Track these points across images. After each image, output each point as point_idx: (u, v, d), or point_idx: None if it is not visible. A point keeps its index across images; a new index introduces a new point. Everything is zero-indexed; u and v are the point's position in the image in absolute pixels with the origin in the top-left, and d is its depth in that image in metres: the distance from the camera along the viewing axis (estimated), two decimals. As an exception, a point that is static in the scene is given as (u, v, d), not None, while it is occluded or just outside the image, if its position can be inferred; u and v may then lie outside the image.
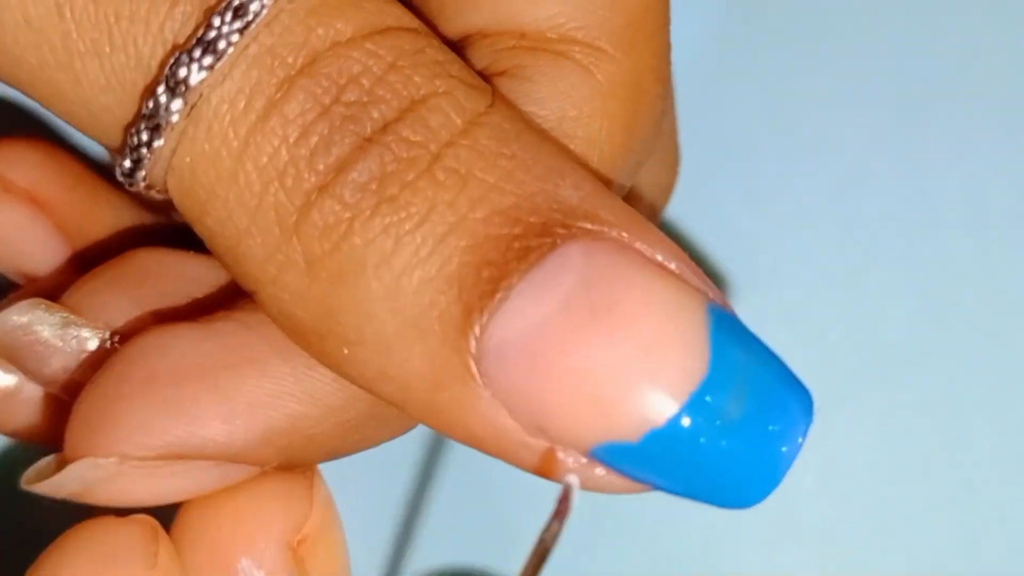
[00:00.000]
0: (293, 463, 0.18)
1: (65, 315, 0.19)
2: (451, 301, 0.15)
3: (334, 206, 0.15)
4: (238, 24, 0.15)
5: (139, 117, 0.16)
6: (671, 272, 0.16)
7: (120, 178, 0.16)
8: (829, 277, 0.31)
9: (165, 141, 0.16)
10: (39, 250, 0.22)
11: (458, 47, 0.19)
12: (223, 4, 0.15)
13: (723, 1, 0.32)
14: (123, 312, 0.20)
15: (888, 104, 0.31)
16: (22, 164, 0.22)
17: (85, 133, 0.17)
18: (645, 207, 0.22)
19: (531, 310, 0.15)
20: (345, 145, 0.15)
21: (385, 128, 0.15)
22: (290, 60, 0.15)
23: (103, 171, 0.23)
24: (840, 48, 0.31)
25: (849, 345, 0.30)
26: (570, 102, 0.18)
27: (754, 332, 0.16)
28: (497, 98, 0.16)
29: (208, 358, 0.18)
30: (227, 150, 0.16)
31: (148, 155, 0.16)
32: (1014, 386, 0.30)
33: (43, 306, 0.20)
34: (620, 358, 0.15)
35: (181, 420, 0.18)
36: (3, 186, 0.22)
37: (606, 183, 0.18)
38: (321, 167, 0.15)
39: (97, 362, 0.19)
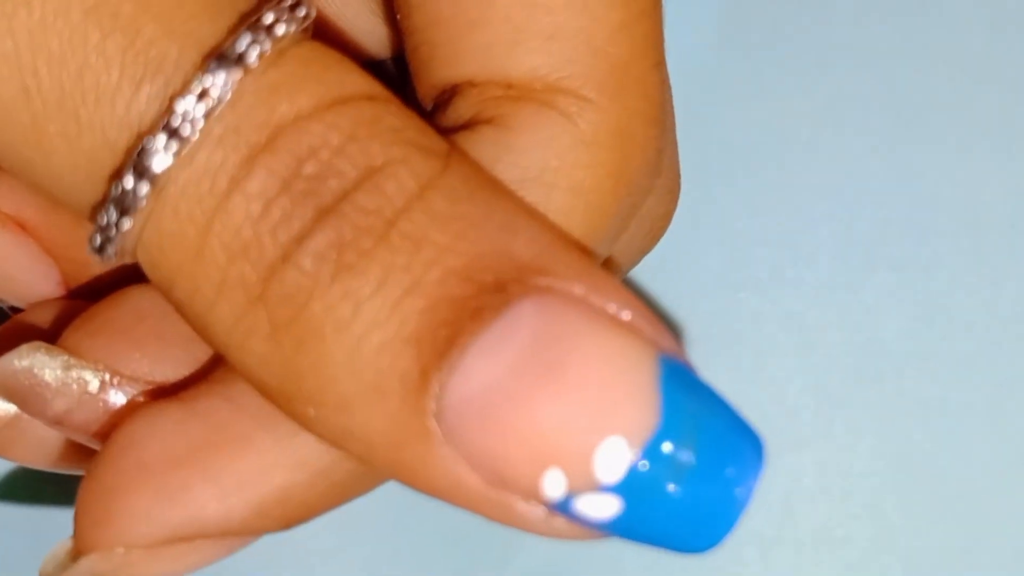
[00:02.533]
0: (293, 525, 0.19)
1: (66, 358, 0.20)
2: (409, 362, 0.16)
3: (295, 275, 0.16)
4: (202, 109, 0.16)
5: (107, 198, 0.16)
6: (623, 324, 0.16)
7: (89, 252, 0.17)
8: (828, 279, 0.31)
9: (133, 223, 0.16)
10: (27, 275, 0.22)
11: (446, 96, 0.19)
12: (187, 89, 0.16)
13: (721, 3, 0.32)
14: (123, 353, 0.20)
15: (888, 107, 0.31)
16: (3, 188, 0.22)
17: (60, 203, 0.17)
18: (638, 241, 0.22)
19: (485, 369, 0.16)
20: (305, 217, 0.16)
21: (343, 198, 0.16)
22: (253, 138, 0.16)
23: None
24: (840, 50, 0.31)
25: (848, 347, 0.30)
26: (552, 152, 0.18)
27: (705, 381, 0.16)
28: (453, 159, 0.17)
29: (194, 440, 0.18)
30: (193, 228, 0.16)
31: (116, 234, 0.16)
32: (1013, 389, 0.30)
33: (43, 349, 0.20)
34: (572, 415, 0.15)
35: (177, 506, 0.18)
36: None
37: (591, 229, 0.19)
38: (283, 239, 0.16)
39: (99, 404, 0.20)
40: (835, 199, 0.31)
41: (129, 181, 0.16)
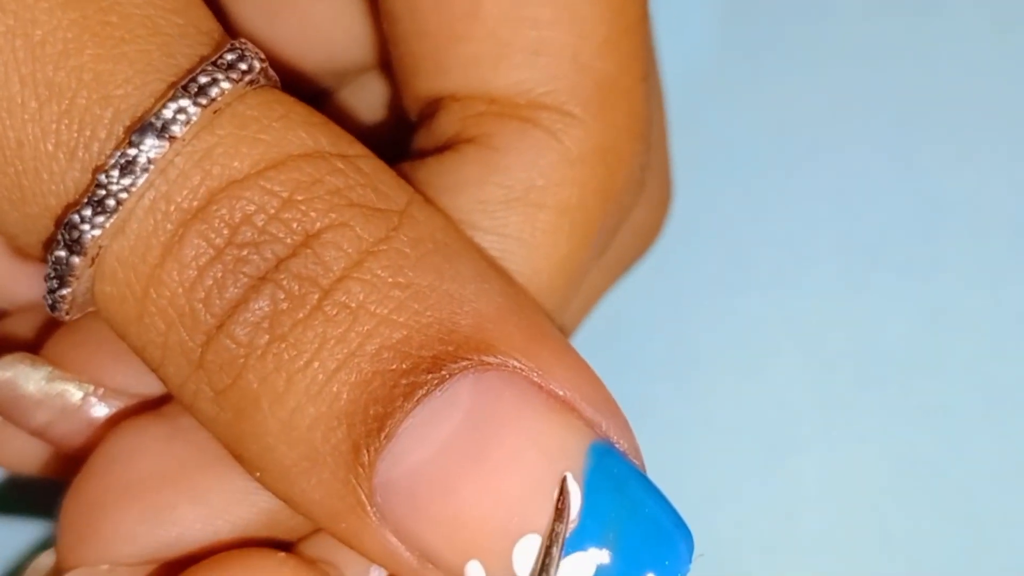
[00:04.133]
0: (277, 544, 0.19)
1: (50, 370, 0.20)
2: (341, 438, 0.16)
3: (229, 344, 0.16)
4: (126, 181, 0.15)
5: (48, 265, 0.16)
6: (561, 403, 0.16)
7: (47, 309, 0.17)
8: (830, 281, 0.31)
9: (72, 289, 0.16)
10: (11, 281, 0.22)
11: (431, 109, 0.19)
12: (110, 162, 0.15)
13: (721, 5, 0.31)
14: (106, 365, 0.20)
15: (890, 109, 0.31)
16: None
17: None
18: (626, 252, 0.22)
19: (414, 451, 0.15)
20: (239, 286, 0.16)
21: (278, 266, 0.16)
22: (185, 205, 0.16)
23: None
24: (842, 51, 0.31)
25: (850, 350, 0.30)
26: (537, 171, 0.18)
27: (635, 470, 0.16)
28: (407, 217, 0.16)
29: (180, 459, 0.18)
30: (131, 294, 0.16)
31: (59, 299, 0.16)
32: (1016, 391, 0.30)
33: (27, 361, 0.20)
34: (492, 508, 0.15)
35: (163, 526, 0.18)
36: None
37: (577, 246, 0.18)
38: (216, 308, 0.16)
39: (81, 416, 0.20)
40: (837, 201, 0.31)
41: (61, 252, 0.16)
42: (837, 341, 0.30)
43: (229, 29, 0.21)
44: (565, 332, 0.21)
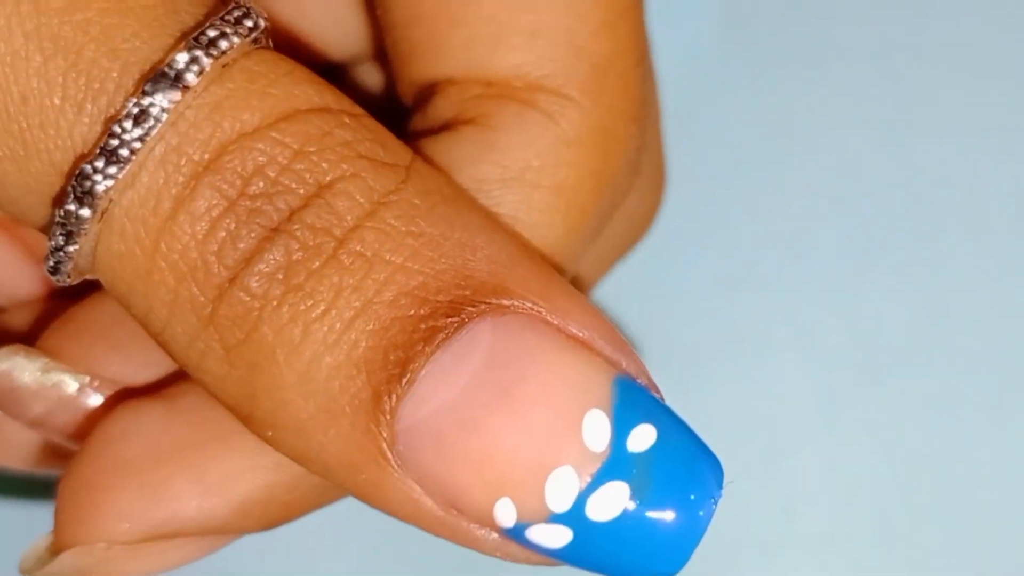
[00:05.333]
0: (274, 526, 0.19)
1: (45, 361, 0.20)
2: (360, 386, 0.15)
3: (243, 297, 0.16)
4: (139, 132, 0.15)
5: (53, 222, 0.16)
6: (580, 345, 0.16)
7: (47, 273, 0.17)
8: (830, 278, 0.31)
9: (80, 246, 0.16)
10: (7, 274, 0.22)
11: (426, 94, 0.19)
12: (123, 112, 0.15)
13: (721, 3, 0.32)
14: (101, 356, 0.20)
15: (889, 107, 0.31)
16: None
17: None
18: (622, 238, 0.22)
19: (437, 394, 0.15)
20: (252, 238, 0.16)
21: (291, 217, 0.16)
22: (196, 157, 0.16)
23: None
24: (840, 49, 0.31)
25: (850, 347, 0.30)
26: (533, 152, 0.18)
27: (662, 404, 0.16)
28: (414, 171, 0.16)
29: (176, 438, 0.18)
30: (140, 249, 0.16)
31: (66, 258, 0.16)
32: (1015, 388, 0.30)
33: (23, 352, 0.20)
34: (522, 442, 0.15)
35: (160, 504, 0.18)
36: None
37: (572, 227, 0.18)
38: (230, 261, 0.16)
39: (78, 407, 0.20)
40: (836, 198, 0.31)
41: (72, 205, 0.16)
42: (836, 339, 0.30)
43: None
44: None
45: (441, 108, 0.19)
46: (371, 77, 0.23)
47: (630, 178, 0.20)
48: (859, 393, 0.30)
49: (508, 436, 0.15)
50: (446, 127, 0.19)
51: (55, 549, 0.19)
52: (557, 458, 0.15)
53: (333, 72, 0.22)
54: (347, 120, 0.16)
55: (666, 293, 0.31)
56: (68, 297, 0.22)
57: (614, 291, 0.28)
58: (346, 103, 0.17)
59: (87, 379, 0.20)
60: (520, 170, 0.18)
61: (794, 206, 0.31)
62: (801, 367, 0.30)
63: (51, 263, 0.16)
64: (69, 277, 0.17)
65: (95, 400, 0.20)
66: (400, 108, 0.20)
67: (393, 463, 0.16)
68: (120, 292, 0.16)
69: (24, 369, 0.20)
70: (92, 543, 0.18)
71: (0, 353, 0.20)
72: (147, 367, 0.20)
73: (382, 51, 0.21)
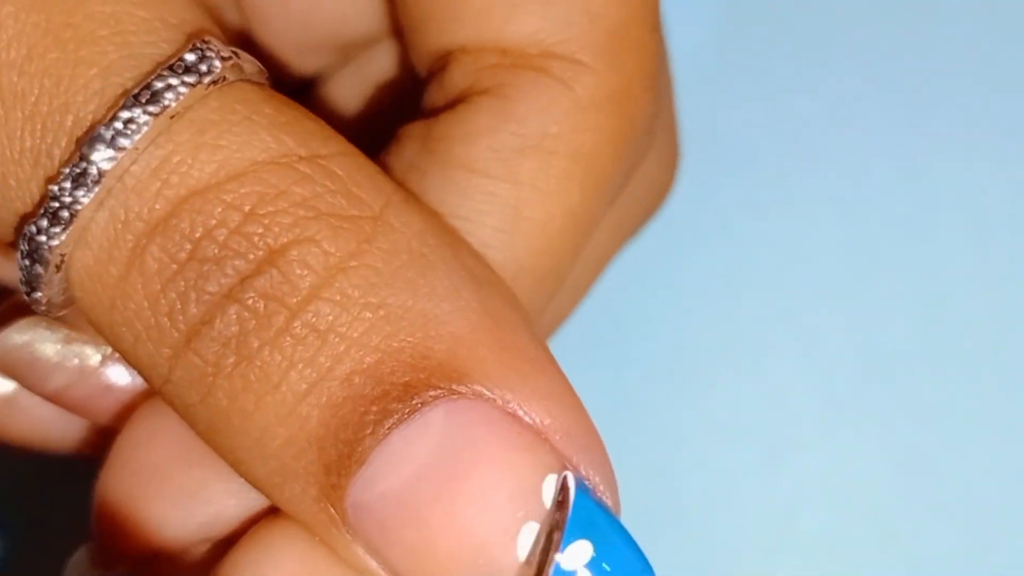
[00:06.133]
0: None
1: (67, 332, 0.20)
2: (312, 459, 0.15)
3: (196, 362, 0.16)
4: (80, 193, 0.15)
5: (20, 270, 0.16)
6: (531, 438, 0.16)
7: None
8: (831, 280, 0.31)
9: (43, 295, 0.16)
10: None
11: (440, 64, 0.19)
12: (60, 175, 0.15)
13: (721, 3, 0.32)
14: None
15: (890, 108, 0.31)
16: None
17: None
18: (639, 207, 0.23)
19: (386, 478, 0.15)
20: (203, 303, 0.15)
21: (242, 283, 0.15)
22: (145, 216, 0.15)
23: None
24: (842, 51, 0.31)
25: (851, 349, 0.30)
26: (551, 118, 0.18)
27: (607, 512, 0.16)
28: (381, 222, 0.16)
29: None
30: (98, 304, 0.16)
31: (35, 301, 0.16)
32: (1016, 390, 0.30)
33: (44, 324, 0.20)
34: (460, 545, 0.15)
35: (200, 507, 0.18)
36: None
37: (591, 193, 0.18)
38: (182, 325, 0.15)
39: (99, 379, 0.20)
40: (837, 200, 0.31)
41: (25, 260, 0.16)
42: (836, 339, 0.30)
43: (235, 4, 0.21)
44: (578, 289, 0.22)
45: (456, 78, 0.19)
46: (385, 59, 0.23)
47: (646, 143, 0.20)
48: (859, 393, 0.30)
49: (447, 537, 0.15)
50: (461, 97, 0.19)
51: (98, 565, 0.19)
52: (490, 567, 0.15)
53: (347, 53, 0.22)
54: (307, 170, 0.16)
55: (666, 293, 0.31)
56: None
57: (614, 292, 0.29)
58: (315, 142, 0.16)
59: (108, 349, 0.20)
60: (538, 138, 0.18)
61: (794, 206, 0.31)
62: (801, 367, 0.31)
63: (28, 299, 0.17)
64: (49, 313, 0.17)
65: (116, 371, 0.20)
66: (413, 92, 0.20)
67: (344, 532, 0.16)
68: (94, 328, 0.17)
69: (46, 340, 0.20)
70: (135, 554, 0.18)
71: (21, 324, 0.20)
72: None
73: (396, 30, 0.21)
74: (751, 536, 0.30)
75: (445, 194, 0.18)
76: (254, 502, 0.18)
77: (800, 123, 0.31)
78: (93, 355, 0.20)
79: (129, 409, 0.20)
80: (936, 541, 0.30)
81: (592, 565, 0.16)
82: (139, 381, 0.20)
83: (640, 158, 0.20)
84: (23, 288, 0.16)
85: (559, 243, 0.19)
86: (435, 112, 0.19)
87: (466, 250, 0.17)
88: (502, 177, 0.18)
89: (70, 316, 0.20)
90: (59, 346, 0.20)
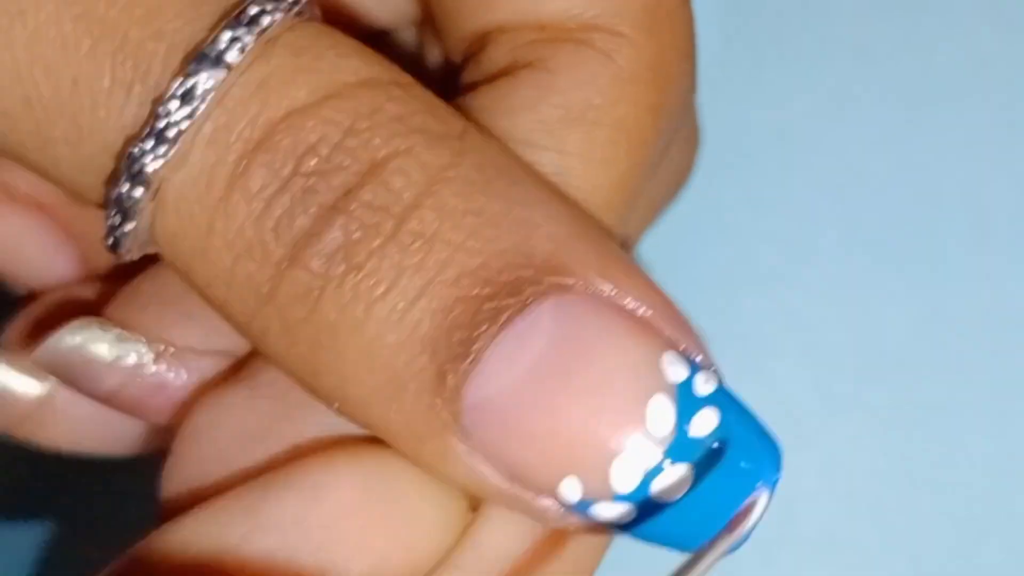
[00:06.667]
0: None
1: (119, 332, 0.20)
2: (424, 363, 0.16)
3: (304, 276, 0.16)
4: (185, 111, 0.16)
5: (109, 202, 0.16)
6: (641, 324, 0.16)
7: (106, 249, 0.17)
8: (832, 278, 0.31)
9: (136, 224, 0.16)
10: (48, 257, 0.22)
11: (477, 46, 0.19)
12: (169, 93, 0.16)
13: (722, 3, 0.32)
14: (172, 325, 0.20)
15: (892, 105, 0.31)
16: (21, 169, 0.21)
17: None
18: (664, 189, 0.23)
19: (502, 374, 0.16)
20: (308, 216, 0.16)
21: (347, 195, 0.16)
22: (246, 136, 0.16)
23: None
24: (843, 48, 0.31)
25: (851, 347, 0.30)
26: (594, 90, 0.18)
27: (722, 383, 0.16)
28: (468, 142, 0.16)
29: (265, 417, 0.18)
30: (195, 228, 0.16)
31: (123, 236, 0.16)
32: (1017, 389, 0.30)
33: (96, 324, 0.20)
34: (587, 426, 0.16)
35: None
36: (6, 193, 0.22)
37: (634, 162, 0.19)
38: (287, 239, 0.16)
39: (152, 378, 0.20)
40: (839, 198, 0.31)
41: (124, 186, 0.16)
42: (838, 338, 0.30)
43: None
44: None
45: (495, 57, 0.19)
46: (410, 43, 0.23)
47: (682, 115, 0.20)
48: (860, 393, 0.30)
49: (574, 419, 0.16)
50: (501, 74, 0.19)
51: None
52: (622, 442, 0.16)
53: (377, 39, 0.22)
54: (397, 92, 0.16)
55: (667, 291, 0.31)
56: (110, 278, 0.22)
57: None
58: (395, 72, 0.17)
59: (162, 347, 0.20)
60: (581, 109, 0.18)
61: (795, 205, 0.31)
62: (802, 367, 0.30)
63: (110, 241, 0.17)
64: (130, 253, 0.17)
65: (171, 370, 0.20)
66: (448, 72, 0.21)
67: (457, 437, 0.16)
68: (179, 268, 0.17)
69: (100, 340, 0.20)
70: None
71: (73, 326, 0.20)
72: (218, 336, 0.20)
73: (426, 15, 0.21)
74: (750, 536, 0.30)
75: None
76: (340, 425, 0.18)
77: (801, 122, 0.31)
78: (146, 353, 0.20)
79: (181, 407, 0.20)
80: (936, 540, 0.30)
81: (719, 432, 0.16)
82: (191, 378, 0.20)
83: (677, 130, 0.20)
84: (112, 220, 0.16)
85: (605, 213, 0.19)
86: (474, 87, 0.19)
87: (538, 173, 0.18)
88: (548, 147, 0.18)
89: (118, 318, 0.20)
90: (113, 345, 0.20)
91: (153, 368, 0.20)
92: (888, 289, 0.30)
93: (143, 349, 0.20)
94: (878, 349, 0.30)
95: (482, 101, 0.19)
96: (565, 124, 0.18)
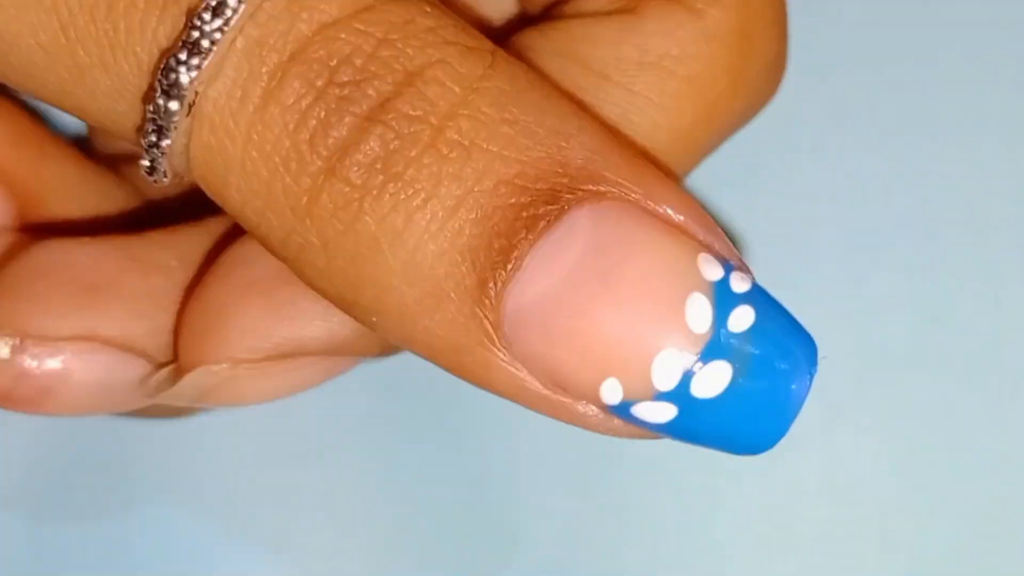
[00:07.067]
0: (394, 352, 0.20)
1: None
2: (465, 273, 0.16)
3: (342, 188, 0.16)
4: (218, 22, 0.16)
5: (145, 120, 0.16)
6: (676, 228, 0.16)
7: (143, 176, 0.17)
8: (831, 280, 0.30)
9: (172, 140, 0.16)
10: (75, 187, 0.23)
11: None
12: (203, 4, 0.16)
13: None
14: (32, 313, 0.20)
15: (891, 107, 0.31)
16: None
17: (119, 137, 0.17)
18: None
19: (542, 279, 0.16)
20: (344, 126, 0.16)
21: (383, 105, 0.16)
22: (279, 48, 0.16)
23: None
24: (843, 49, 0.31)
25: (851, 348, 0.30)
26: (674, 40, 0.19)
27: (757, 285, 0.17)
28: (497, 57, 0.17)
29: None
30: (231, 142, 0.16)
31: (160, 154, 0.16)
32: (1017, 390, 0.30)
33: None
34: (627, 326, 0.16)
35: (284, 322, 0.19)
36: None
37: (701, 120, 0.19)
38: (324, 150, 0.16)
39: (12, 370, 0.20)
40: (837, 199, 0.31)
41: (160, 99, 0.16)
42: (837, 339, 0.30)
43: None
44: None
45: (582, 5, 0.19)
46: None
47: (771, 84, 0.20)
48: (861, 394, 0.30)
49: (614, 320, 0.16)
50: (591, 14, 0.20)
51: (179, 371, 0.19)
52: (662, 340, 0.16)
53: None
54: (428, 8, 0.16)
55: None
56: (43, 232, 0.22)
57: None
58: None
59: (18, 340, 0.19)
60: (659, 56, 0.19)
61: (795, 206, 0.31)
62: None
63: (147, 162, 0.17)
64: (165, 176, 0.17)
65: (30, 362, 0.20)
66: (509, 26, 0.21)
67: (498, 345, 0.16)
68: (214, 187, 0.17)
69: None
70: (217, 362, 0.19)
71: None
72: (78, 319, 0.20)
73: None
74: (751, 535, 0.29)
75: (558, 81, 0.19)
76: (339, 326, 0.19)
77: (801, 123, 0.31)
78: (2, 348, 0.20)
79: None
80: (936, 540, 0.29)
81: (756, 327, 0.16)
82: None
83: (763, 100, 0.21)
84: (149, 139, 0.16)
85: (663, 159, 0.19)
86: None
87: (569, 92, 0.19)
88: (618, 83, 0.19)
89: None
90: None
91: (13, 360, 0.20)
92: (889, 290, 0.30)
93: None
94: (879, 351, 0.30)
95: (562, 30, 0.20)
96: (640, 66, 0.19)
